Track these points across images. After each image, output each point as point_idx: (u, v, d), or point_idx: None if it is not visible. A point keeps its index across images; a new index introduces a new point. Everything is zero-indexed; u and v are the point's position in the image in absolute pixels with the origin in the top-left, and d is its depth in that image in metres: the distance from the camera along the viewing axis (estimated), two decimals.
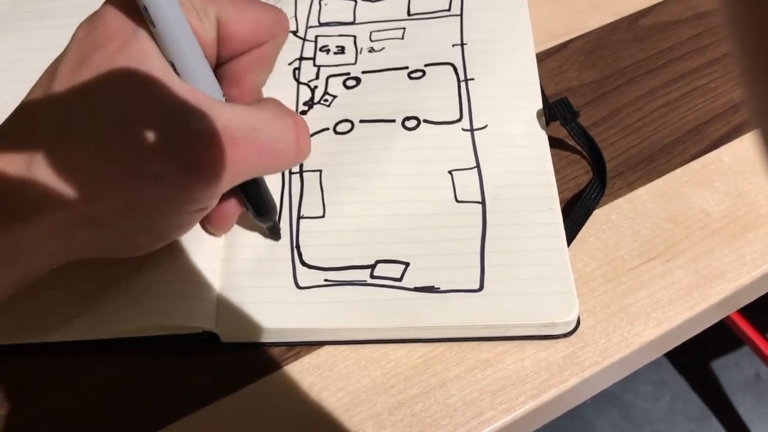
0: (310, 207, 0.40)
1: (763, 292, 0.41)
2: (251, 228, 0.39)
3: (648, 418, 1.27)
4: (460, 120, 0.43)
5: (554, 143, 0.43)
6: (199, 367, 0.36)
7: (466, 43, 0.46)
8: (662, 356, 1.29)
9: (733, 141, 0.44)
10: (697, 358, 1.33)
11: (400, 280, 0.37)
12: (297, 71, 0.45)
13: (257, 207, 0.37)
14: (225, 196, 0.36)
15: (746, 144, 0.44)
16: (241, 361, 0.36)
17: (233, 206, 0.37)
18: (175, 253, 0.37)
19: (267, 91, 0.44)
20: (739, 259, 0.39)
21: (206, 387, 0.36)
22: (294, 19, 0.48)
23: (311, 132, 0.42)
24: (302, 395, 0.35)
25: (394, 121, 0.43)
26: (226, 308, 0.36)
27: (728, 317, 1.13)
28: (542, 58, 0.48)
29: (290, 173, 0.41)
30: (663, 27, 0.49)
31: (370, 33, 0.47)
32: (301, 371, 0.36)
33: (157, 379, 0.36)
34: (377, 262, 0.38)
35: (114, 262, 0.36)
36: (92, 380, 0.36)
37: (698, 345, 1.35)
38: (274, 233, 0.39)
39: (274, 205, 0.38)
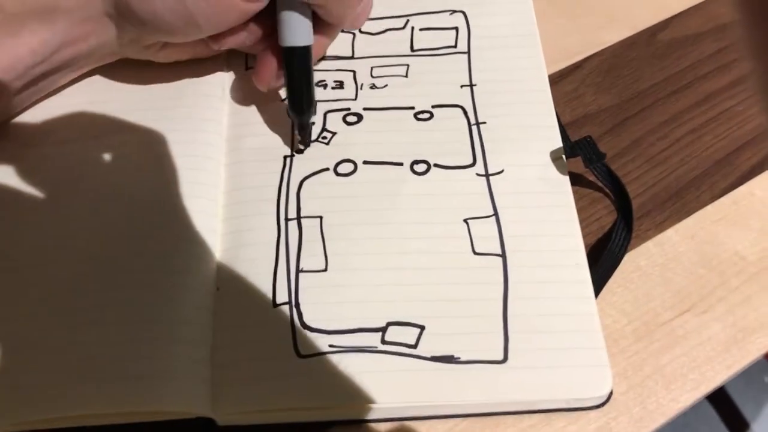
0: (311, 259, 0.36)
1: None
2: (242, 293, 0.35)
3: None
4: (473, 164, 0.39)
5: (572, 180, 0.40)
6: None
7: (475, 84, 0.42)
8: None
9: (765, 171, 0.41)
10: None
11: (415, 347, 0.34)
12: None
13: (296, 96, 0.38)
14: (272, 56, 0.38)
15: None
16: None
17: (275, 65, 0.39)
18: (159, 325, 0.33)
19: (259, 128, 0.40)
20: None
21: None
22: None
23: (309, 173, 0.38)
24: None
25: (401, 164, 0.39)
26: (221, 388, 0.32)
27: None
28: (556, 79, 0.44)
29: (287, 220, 0.37)
30: (683, 42, 0.46)
31: (371, 68, 0.42)
32: None
33: None
34: (389, 324, 0.34)
35: (93, 328, 0.32)
36: None
37: None
38: (303, 135, 0.39)
39: (314, 103, 0.39)
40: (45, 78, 0.39)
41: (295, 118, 0.39)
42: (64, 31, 0.37)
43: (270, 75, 0.39)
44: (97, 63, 0.41)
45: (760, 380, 1.29)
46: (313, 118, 0.40)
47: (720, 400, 1.27)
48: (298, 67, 0.38)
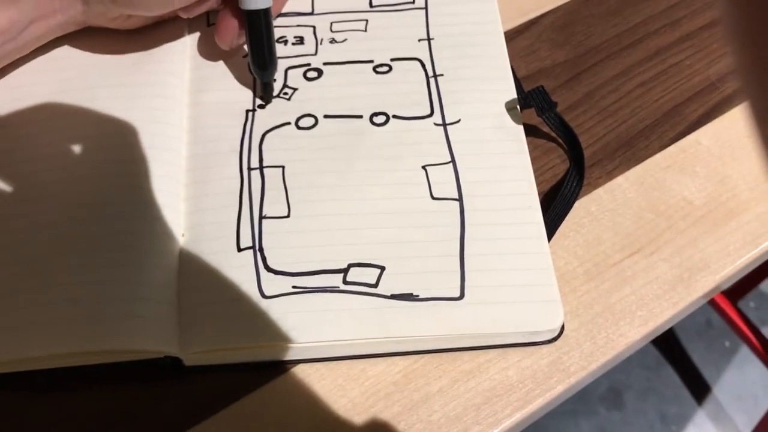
0: (274, 206, 0.37)
1: (741, 276, 0.40)
2: (207, 239, 0.36)
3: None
4: (431, 115, 0.40)
5: (528, 131, 0.41)
6: (162, 395, 0.34)
7: (432, 38, 0.43)
8: None
9: (711, 122, 0.43)
10: None
11: (375, 285, 0.35)
12: None
13: (258, 54, 0.39)
14: (232, 16, 0.40)
15: (725, 124, 0.43)
16: (208, 386, 0.34)
17: (236, 25, 0.40)
18: (127, 267, 0.34)
19: (220, 84, 0.41)
20: (722, 249, 0.38)
21: (172, 416, 0.33)
22: None
23: (270, 126, 0.39)
24: (277, 420, 0.33)
25: (361, 116, 0.40)
26: (187, 328, 0.33)
27: None
28: (512, 36, 0.45)
29: (249, 169, 0.38)
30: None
31: (331, 24, 0.43)
32: (275, 393, 0.34)
33: (121, 410, 0.33)
34: (350, 265, 0.35)
35: (61, 273, 0.33)
36: (54, 416, 0.33)
37: None
38: (266, 93, 0.40)
39: (275, 61, 0.40)
40: (10, 52, 0.39)
41: (257, 75, 0.40)
42: (32, 10, 0.38)
43: (232, 35, 0.40)
44: (61, 33, 0.41)
45: (720, 345, 1.33)
46: (275, 75, 0.41)
47: (682, 364, 1.31)
48: (258, 28, 0.39)
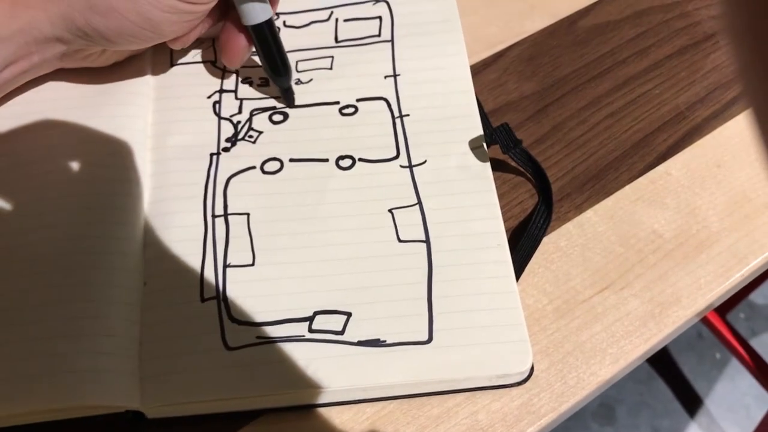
0: (238, 254, 0.36)
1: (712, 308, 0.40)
2: (169, 289, 0.35)
3: None
4: (397, 157, 0.40)
5: (496, 166, 0.41)
6: None
7: (399, 74, 0.43)
8: None
9: (681, 152, 0.42)
10: None
11: (342, 333, 0.34)
12: (217, 105, 0.41)
13: (272, 64, 0.40)
14: (236, 35, 0.40)
15: (695, 153, 0.42)
16: None
17: (243, 43, 0.40)
18: (84, 322, 0.34)
19: (184, 126, 0.41)
20: (693, 283, 0.38)
21: None
22: (212, 48, 0.43)
23: (235, 171, 0.39)
24: None
25: (327, 160, 0.39)
26: (149, 381, 0.33)
27: None
28: (479, 69, 0.45)
29: (213, 216, 0.38)
30: (603, 28, 0.47)
31: (296, 63, 0.43)
32: None
33: None
34: (315, 313, 0.35)
35: (18, 327, 0.33)
36: None
37: None
38: (288, 98, 0.41)
39: (289, 65, 0.41)
40: None
41: (276, 83, 0.41)
42: (5, 56, 0.37)
43: (241, 54, 0.41)
44: (34, 75, 0.41)
45: (711, 357, 1.32)
46: (239, 117, 0.40)
47: (674, 377, 1.30)
48: (267, 39, 0.40)
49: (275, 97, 0.42)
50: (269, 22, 0.40)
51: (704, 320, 1.16)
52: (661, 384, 1.30)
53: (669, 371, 1.31)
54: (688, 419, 1.27)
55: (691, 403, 1.29)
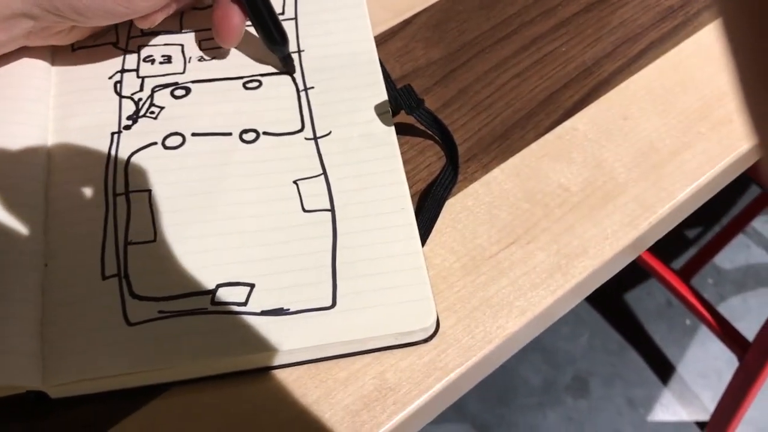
0: (139, 231, 0.36)
1: (627, 263, 0.40)
2: (70, 268, 0.35)
3: (569, 359, 1.30)
4: (302, 130, 0.40)
5: (405, 130, 0.41)
6: (29, 431, 0.33)
7: (303, 50, 0.43)
8: None
9: (587, 107, 0.43)
10: (610, 292, 1.35)
11: (245, 304, 0.35)
12: (119, 84, 0.41)
13: (268, 33, 0.41)
14: (231, 9, 0.40)
15: (601, 108, 0.43)
16: (78, 418, 0.33)
17: (239, 18, 0.41)
18: None
19: (85, 108, 0.41)
20: (600, 234, 0.38)
21: None
22: (114, 30, 0.43)
23: (136, 148, 0.39)
24: None
25: (230, 134, 0.39)
26: (51, 361, 0.33)
27: None
28: (386, 38, 0.45)
29: (114, 195, 0.37)
30: None
31: (200, 42, 0.43)
32: (146, 419, 0.33)
33: None
34: (218, 286, 0.35)
35: None
36: None
37: (611, 279, 1.38)
38: (287, 65, 0.42)
39: (285, 33, 0.41)
40: None
41: (274, 51, 0.42)
42: None
43: (237, 30, 0.41)
44: None
45: (681, 324, 1.33)
46: (141, 95, 0.40)
47: (645, 346, 1.31)
48: (260, 10, 0.41)
49: (178, 73, 0.42)
50: None
51: (670, 288, 1.17)
52: (633, 354, 1.31)
53: (640, 341, 1.32)
54: (662, 387, 1.28)
55: (664, 371, 1.30)
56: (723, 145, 0.41)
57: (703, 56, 0.45)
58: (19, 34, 0.39)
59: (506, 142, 0.41)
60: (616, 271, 0.41)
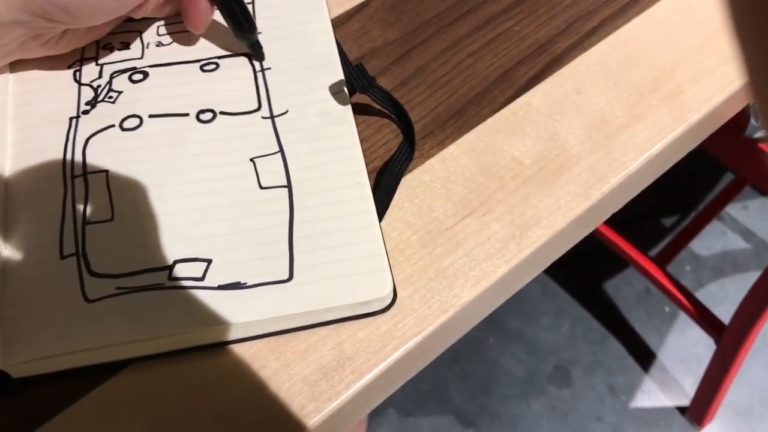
0: (97, 211, 0.37)
1: (584, 235, 0.41)
2: (29, 249, 0.36)
3: (551, 349, 1.30)
4: (259, 109, 0.40)
5: (363, 110, 0.42)
6: None
7: (260, 32, 0.43)
8: (557, 285, 1.32)
9: (541, 83, 0.43)
10: (590, 282, 1.36)
11: (202, 279, 0.35)
12: (78, 73, 0.42)
13: (236, 21, 0.41)
14: (198, 4, 0.41)
15: (555, 83, 0.43)
16: (38, 397, 0.33)
17: (205, 3, 0.41)
18: None
19: (45, 97, 0.41)
20: (553, 204, 0.39)
21: (2, 430, 0.33)
22: None
23: (94, 131, 0.39)
24: (109, 417, 0.33)
25: (187, 114, 0.40)
26: (11, 341, 0.33)
27: (610, 240, 1.16)
28: (344, 20, 0.46)
29: (73, 177, 0.38)
30: None
31: (157, 27, 0.44)
32: (106, 395, 0.34)
33: None
34: (175, 262, 0.35)
35: None
36: None
37: (590, 269, 1.39)
38: (257, 52, 0.42)
39: (253, 21, 0.42)
40: None
41: (243, 39, 0.42)
42: None
43: (204, 16, 0.42)
44: None
45: (660, 311, 1.35)
46: (100, 81, 0.41)
47: (625, 334, 1.32)
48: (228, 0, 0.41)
49: (136, 58, 0.42)
50: None
51: (648, 275, 1.18)
52: (614, 342, 1.32)
53: (620, 329, 1.33)
54: (643, 374, 1.29)
55: (645, 358, 1.31)
56: (673, 116, 0.42)
57: (654, 31, 0.46)
58: (13, 47, 0.39)
59: (462, 118, 0.42)
60: (573, 242, 0.41)
